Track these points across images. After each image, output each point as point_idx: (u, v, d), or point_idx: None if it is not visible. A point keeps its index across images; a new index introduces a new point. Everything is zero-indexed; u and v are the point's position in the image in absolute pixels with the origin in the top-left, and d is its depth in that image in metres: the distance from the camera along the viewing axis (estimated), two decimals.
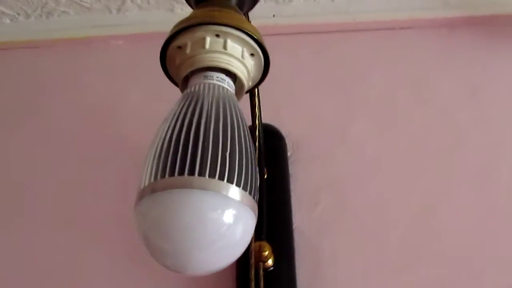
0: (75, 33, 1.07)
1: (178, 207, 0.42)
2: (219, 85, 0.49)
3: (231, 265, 0.77)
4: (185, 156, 0.43)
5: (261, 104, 0.70)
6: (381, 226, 0.83)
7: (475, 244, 0.80)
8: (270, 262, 0.76)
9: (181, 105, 0.48)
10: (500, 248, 0.79)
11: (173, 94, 0.96)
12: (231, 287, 0.79)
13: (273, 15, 1.06)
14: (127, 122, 0.99)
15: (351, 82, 0.99)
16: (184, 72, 0.50)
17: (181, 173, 0.42)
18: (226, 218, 0.42)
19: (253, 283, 0.69)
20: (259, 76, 0.53)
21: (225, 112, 0.46)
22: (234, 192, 0.42)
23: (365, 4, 1.04)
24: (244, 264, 0.78)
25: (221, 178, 0.42)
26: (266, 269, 0.75)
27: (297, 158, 0.89)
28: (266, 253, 0.74)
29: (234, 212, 0.42)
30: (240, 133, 0.45)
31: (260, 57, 0.52)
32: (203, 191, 0.41)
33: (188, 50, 0.50)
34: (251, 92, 0.65)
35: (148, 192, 0.43)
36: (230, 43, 0.50)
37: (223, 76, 0.50)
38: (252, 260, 0.71)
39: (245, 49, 0.51)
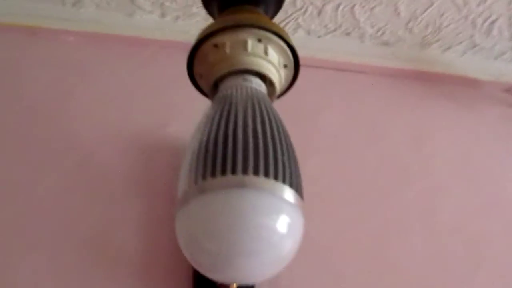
0: (20, 19, 0.99)
1: (231, 209, 0.41)
2: (258, 90, 0.49)
3: (188, 285, 0.76)
4: (236, 154, 0.42)
5: None
6: (334, 261, 0.85)
7: (421, 280, 0.85)
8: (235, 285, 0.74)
9: (224, 105, 0.47)
10: (446, 284, 0.85)
11: (122, 97, 0.93)
12: None
13: None
14: (73, 123, 0.93)
15: (307, 117, 1.02)
16: (222, 71, 0.49)
17: (234, 172, 0.41)
18: (280, 227, 0.41)
19: None
20: (285, 87, 0.54)
21: (269, 114, 0.46)
22: (289, 193, 0.42)
23: (323, 42, 1.09)
24: (205, 284, 0.76)
25: (276, 178, 0.41)
26: None
27: None
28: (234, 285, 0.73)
29: (288, 220, 0.41)
30: (286, 135, 0.45)
31: (291, 70, 0.53)
32: (258, 191, 0.40)
33: (227, 50, 0.50)
34: None
35: (196, 192, 0.41)
36: (270, 49, 0.50)
37: (260, 81, 0.50)
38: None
39: (281, 59, 0.52)
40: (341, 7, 1.06)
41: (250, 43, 0.50)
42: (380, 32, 1.11)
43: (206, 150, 0.43)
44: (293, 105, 0.99)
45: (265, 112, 0.46)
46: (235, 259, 0.40)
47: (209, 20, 1.07)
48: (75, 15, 1.02)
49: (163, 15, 1.06)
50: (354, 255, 0.87)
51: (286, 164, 0.42)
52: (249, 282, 0.43)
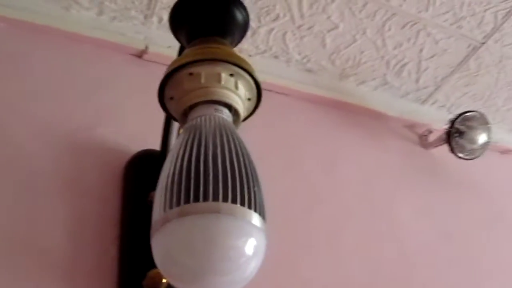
0: None
1: (207, 231, 0.46)
2: (227, 120, 0.54)
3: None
4: (214, 182, 0.47)
5: None
6: None
7: None
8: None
9: (197, 132, 0.52)
10: None
11: (53, 93, 0.93)
12: None
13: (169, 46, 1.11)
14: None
15: None
16: (196, 99, 0.54)
17: (212, 199, 0.46)
18: (248, 249, 0.47)
19: None
20: (244, 118, 0.60)
21: (239, 143, 0.52)
22: (256, 219, 0.48)
23: (253, 62, 1.16)
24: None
25: (247, 205, 0.47)
26: None
27: None
28: (164, 280, 0.77)
29: (255, 243, 0.47)
30: (252, 162, 0.51)
31: (253, 103, 0.59)
32: (231, 217, 0.46)
33: (202, 80, 0.55)
34: None
35: (175, 215, 0.46)
36: (239, 84, 0.56)
37: (229, 113, 0.56)
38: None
39: (247, 93, 0.58)
40: (274, 32, 1.13)
41: (224, 76, 0.55)
42: (305, 59, 1.21)
43: (187, 176, 0.48)
44: None
45: (236, 142, 0.52)
46: (205, 275, 0.46)
47: (147, 26, 1.09)
48: (9, 1, 1.00)
49: (100, 13, 1.06)
50: (262, 274, 0.94)
51: (256, 191, 0.48)
52: None
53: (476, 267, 1.14)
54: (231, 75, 0.56)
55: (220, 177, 0.48)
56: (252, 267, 0.48)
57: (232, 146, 0.51)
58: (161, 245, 0.48)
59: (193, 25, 0.61)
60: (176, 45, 1.05)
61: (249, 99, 0.58)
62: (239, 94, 0.56)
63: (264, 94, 1.16)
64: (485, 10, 1.12)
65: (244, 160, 0.50)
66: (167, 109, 0.59)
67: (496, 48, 1.20)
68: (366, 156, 1.20)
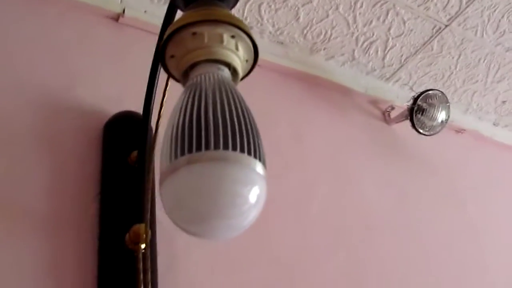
0: None
1: (214, 177, 0.50)
2: (228, 78, 0.58)
3: (93, 244, 0.81)
4: (219, 132, 0.51)
5: None
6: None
7: (293, 263, 1.00)
8: (143, 246, 0.82)
9: (203, 88, 0.55)
10: (309, 272, 1.01)
11: (29, 50, 0.94)
12: (92, 265, 0.81)
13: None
14: None
15: None
16: (199, 57, 0.57)
17: (217, 147, 0.50)
18: (251, 197, 0.51)
19: (141, 264, 0.75)
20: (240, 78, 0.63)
21: (240, 98, 0.56)
22: (260, 167, 0.52)
23: None
24: (110, 243, 0.82)
25: (250, 153, 0.51)
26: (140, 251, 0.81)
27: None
28: (145, 236, 0.80)
29: (258, 192, 0.51)
30: (252, 115, 0.55)
31: (250, 64, 0.63)
32: (237, 165, 0.50)
33: (206, 40, 0.58)
34: None
35: (184, 163, 0.49)
36: (240, 46, 0.60)
37: (229, 72, 0.59)
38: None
39: (245, 54, 0.61)
40: (250, 2, 1.16)
41: (225, 37, 0.59)
42: (279, 32, 1.24)
43: (192, 127, 0.51)
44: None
45: (238, 97, 0.55)
46: (211, 218, 0.50)
47: None
48: None
49: None
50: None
51: (256, 140, 0.53)
52: (213, 238, 0.52)
53: (428, 234, 1.23)
54: (232, 36, 0.59)
55: (226, 128, 0.51)
56: (252, 215, 0.52)
57: (235, 100, 0.55)
58: (170, 191, 0.51)
59: None
60: (152, 10, 1.07)
61: (246, 60, 0.62)
62: (239, 55, 0.60)
63: None
64: None
65: (246, 113, 0.54)
66: (167, 67, 0.62)
67: (459, 31, 1.27)
68: (332, 129, 1.26)
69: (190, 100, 0.54)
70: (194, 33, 0.59)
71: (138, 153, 0.89)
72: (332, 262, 1.05)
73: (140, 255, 0.80)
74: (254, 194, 0.51)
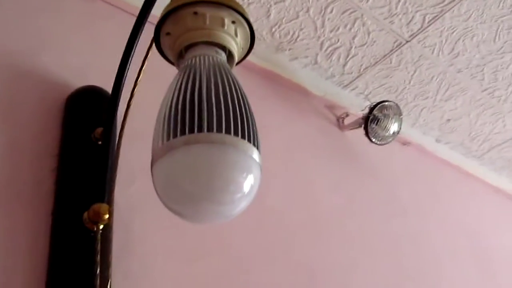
0: None
1: (212, 161, 0.49)
2: (225, 62, 0.58)
3: (47, 219, 0.78)
4: (219, 115, 0.51)
5: None
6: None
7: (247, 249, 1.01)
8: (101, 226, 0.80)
9: (202, 68, 0.55)
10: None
11: None
12: (45, 241, 0.78)
13: None
14: None
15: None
16: (199, 38, 0.57)
17: (217, 130, 0.50)
18: (245, 186, 0.51)
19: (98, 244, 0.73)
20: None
21: (238, 83, 0.56)
22: (256, 154, 0.52)
23: None
24: (66, 220, 0.79)
25: (249, 139, 0.51)
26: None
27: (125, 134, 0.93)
28: (106, 216, 0.78)
29: (252, 181, 0.51)
30: (249, 103, 0.55)
31: (245, 52, 0.63)
32: (235, 149, 0.50)
33: (207, 22, 0.57)
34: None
35: (181, 143, 0.49)
36: (239, 32, 0.60)
37: (225, 56, 0.59)
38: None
39: (242, 42, 0.61)
40: None
41: (227, 22, 0.58)
42: None
43: (190, 108, 0.51)
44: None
45: (235, 82, 0.56)
46: (202, 201, 0.49)
47: None
48: None
49: None
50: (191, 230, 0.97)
51: (254, 127, 0.53)
52: (199, 222, 0.52)
53: (372, 238, 1.27)
54: (233, 22, 0.59)
55: (225, 111, 0.51)
56: (242, 205, 0.52)
57: (234, 85, 0.55)
58: (164, 171, 0.50)
59: None
60: None
61: (242, 48, 0.62)
62: (237, 41, 0.60)
63: None
64: (416, 11, 1.25)
65: (244, 99, 0.55)
66: (160, 43, 0.61)
67: (418, 47, 1.33)
68: (289, 128, 1.28)
69: (189, 81, 0.54)
70: (195, 13, 0.58)
71: (103, 130, 0.86)
72: (282, 259, 1.07)
73: (99, 236, 0.77)
74: (249, 183, 0.52)
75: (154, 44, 0.82)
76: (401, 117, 1.33)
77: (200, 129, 0.50)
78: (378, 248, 1.28)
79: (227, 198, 0.51)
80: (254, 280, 1.00)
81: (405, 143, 1.52)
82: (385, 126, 1.31)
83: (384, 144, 1.33)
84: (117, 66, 0.82)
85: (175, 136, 0.50)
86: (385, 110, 1.31)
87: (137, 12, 1.09)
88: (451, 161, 1.64)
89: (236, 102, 0.53)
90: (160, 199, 0.51)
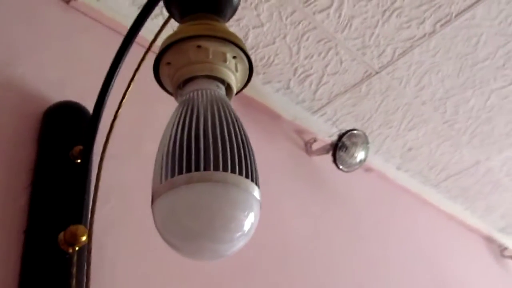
0: None
1: (214, 199, 0.50)
2: (225, 95, 0.59)
3: (18, 238, 0.76)
4: (220, 153, 0.52)
5: None
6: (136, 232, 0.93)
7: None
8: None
9: (206, 103, 0.55)
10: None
11: None
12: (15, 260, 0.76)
13: None
14: None
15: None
16: (202, 72, 0.58)
17: (217, 168, 0.51)
18: (246, 224, 0.52)
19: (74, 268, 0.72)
20: None
21: (238, 119, 0.57)
22: (257, 191, 0.53)
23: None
24: (39, 240, 0.78)
25: (249, 177, 0.52)
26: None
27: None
28: (84, 238, 0.77)
29: (253, 220, 0.52)
30: (248, 138, 0.56)
31: (241, 87, 0.64)
32: (237, 188, 0.51)
33: (210, 56, 0.58)
34: None
35: (183, 181, 0.49)
36: (239, 67, 0.61)
37: (225, 91, 0.60)
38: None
39: (240, 77, 0.62)
40: None
41: (229, 57, 0.59)
42: None
43: (191, 146, 0.51)
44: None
45: (237, 119, 0.57)
46: (202, 239, 0.50)
47: None
48: None
49: None
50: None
51: (254, 165, 0.54)
52: (198, 259, 0.52)
53: (336, 262, 1.30)
54: (234, 57, 0.60)
55: (226, 150, 0.52)
56: (240, 245, 0.53)
57: (234, 122, 0.56)
58: (166, 206, 0.50)
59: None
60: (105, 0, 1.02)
61: (240, 82, 0.63)
62: (237, 77, 0.61)
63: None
64: (388, 45, 1.29)
65: (244, 136, 0.56)
66: (158, 72, 0.61)
67: (387, 79, 1.38)
68: (258, 151, 1.29)
69: (192, 116, 0.55)
70: (198, 46, 0.59)
71: (83, 149, 0.85)
72: (250, 280, 1.08)
73: (75, 259, 0.76)
74: (249, 221, 0.52)
75: (139, 67, 0.82)
76: (368, 145, 1.37)
77: (203, 168, 0.51)
78: (342, 271, 1.31)
79: (227, 237, 0.51)
80: None
81: (367, 170, 1.56)
82: (353, 154, 1.34)
83: (351, 171, 1.36)
84: (94, 81, 0.82)
85: (179, 173, 0.50)
86: (354, 138, 1.34)
87: (113, 26, 1.09)
88: (410, 188, 1.69)
89: (239, 140, 0.54)
90: (160, 235, 0.52)
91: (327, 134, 1.44)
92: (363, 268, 1.36)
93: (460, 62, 1.37)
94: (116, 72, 0.79)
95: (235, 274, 1.06)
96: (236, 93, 0.65)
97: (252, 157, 0.54)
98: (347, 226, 1.41)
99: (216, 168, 0.51)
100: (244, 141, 0.55)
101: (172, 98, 0.65)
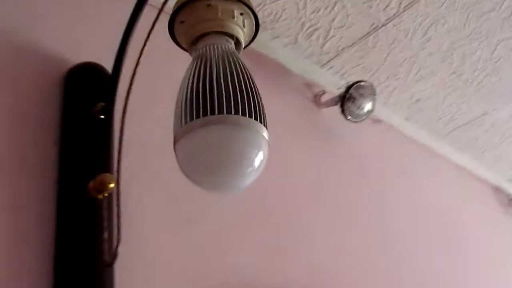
0: None
1: (228, 138, 0.59)
2: (234, 49, 0.67)
3: (52, 188, 0.86)
4: (232, 98, 0.60)
5: None
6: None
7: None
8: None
9: (216, 56, 0.64)
10: None
11: None
12: (51, 209, 0.86)
13: None
14: None
15: None
16: (212, 28, 0.66)
17: (231, 112, 0.60)
18: (256, 161, 0.61)
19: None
20: None
21: (247, 68, 0.65)
22: (265, 132, 0.62)
23: None
24: (71, 189, 0.87)
25: (260, 120, 0.61)
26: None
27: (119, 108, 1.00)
28: (111, 184, 0.86)
29: (261, 157, 0.61)
30: (256, 85, 0.65)
31: (248, 41, 0.72)
32: (249, 129, 0.60)
33: (219, 14, 0.66)
34: None
35: (200, 124, 0.58)
36: (246, 23, 0.69)
37: (234, 45, 0.68)
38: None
39: (248, 31, 0.70)
40: None
41: (236, 14, 0.67)
42: None
43: (206, 93, 0.60)
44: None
45: (243, 67, 0.65)
46: (217, 174, 0.59)
47: None
48: None
49: None
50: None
51: (262, 108, 0.63)
52: (215, 191, 0.62)
53: (344, 209, 1.40)
54: (241, 14, 0.68)
55: (237, 95, 0.61)
56: (251, 179, 0.62)
57: (243, 71, 0.65)
58: (186, 147, 0.59)
59: None
60: None
61: (248, 37, 0.71)
62: (244, 32, 0.69)
63: None
64: None
65: (253, 83, 0.64)
66: (173, 30, 0.69)
67: (393, 31, 1.44)
68: (268, 105, 1.36)
69: (206, 67, 0.63)
70: (209, 5, 0.67)
71: (105, 106, 0.94)
72: (262, 225, 1.17)
73: (105, 203, 0.86)
74: (259, 159, 0.62)
75: (153, 27, 0.90)
76: (375, 97, 1.44)
77: (218, 112, 0.59)
78: (348, 219, 1.40)
79: (240, 172, 0.60)
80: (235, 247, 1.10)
81: (376, 121, 1.64)
82: (360, 105, 1.42)
83: (358, 122, 1.44)
84: (111, 42, 0.89)
85: (196, 117, 0.59)
86: (361, 90, 1.42)
87: None
88: (418, 139, 1.77)
89: (248, 87, 0.62)
90: (182, 172, 0.61)
91: (336, 87, 1.51)
92: (369, 218, 1.46)
93: (466, 13, 1.42)
94: (132, 33, 0.87)
95: (247, 218, 1.15)
96: (245, 47, 0.73)
97: (260, 102, 0.63)
98: (355, 176, 1.50)
99: (229, 111, 0.60)
100: (253, 88, 0.63)
101: (184, 55, 0.73)
